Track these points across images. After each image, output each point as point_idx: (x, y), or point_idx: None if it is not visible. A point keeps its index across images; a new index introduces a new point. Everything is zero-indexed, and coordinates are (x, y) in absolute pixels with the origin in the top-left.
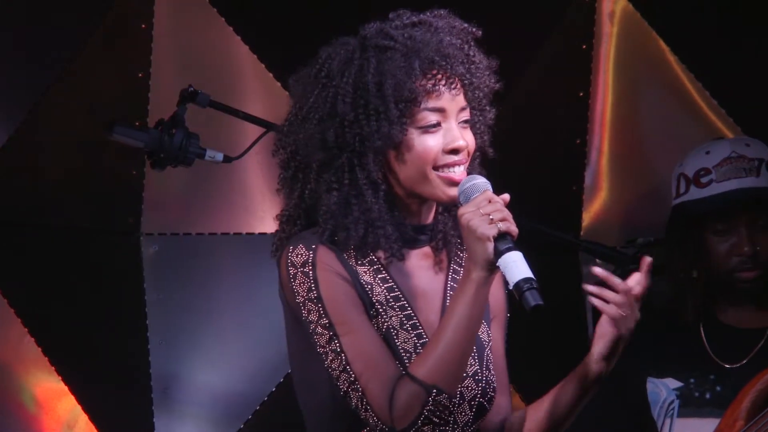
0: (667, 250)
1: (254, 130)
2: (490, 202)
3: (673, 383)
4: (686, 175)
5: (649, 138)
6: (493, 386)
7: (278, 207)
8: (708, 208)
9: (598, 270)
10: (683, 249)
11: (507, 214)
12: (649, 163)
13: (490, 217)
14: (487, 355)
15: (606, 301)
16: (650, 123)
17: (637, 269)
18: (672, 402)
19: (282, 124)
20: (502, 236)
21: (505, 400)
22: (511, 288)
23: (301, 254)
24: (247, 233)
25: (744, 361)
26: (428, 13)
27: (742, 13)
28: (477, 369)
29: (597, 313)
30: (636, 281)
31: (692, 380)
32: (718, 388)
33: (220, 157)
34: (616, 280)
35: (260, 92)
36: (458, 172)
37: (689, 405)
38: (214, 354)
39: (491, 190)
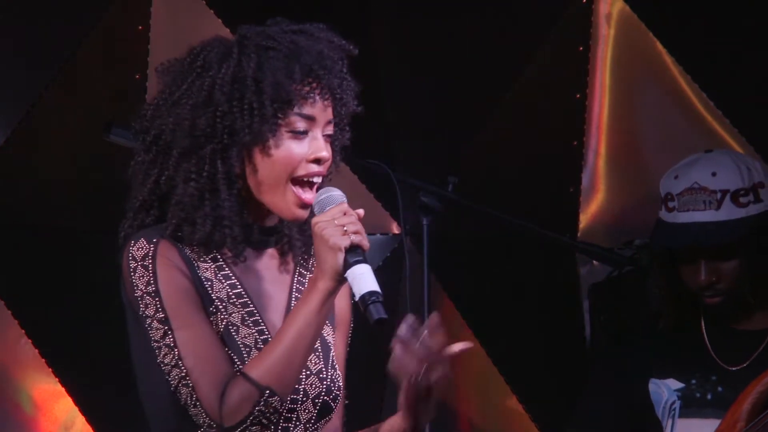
0: (650, 261)
1: None
2: (345, 214)
3: (675, 384)
4: (661, 193)
5: (646, 139)
6: (339, 385)
7: None
8: (668, 239)
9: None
10: (658, 268)
11: (360, 227)
12: (646, 164)
13: (344, 228)
14: (333, 355)
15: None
16: (647, 125)
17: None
18: (674, 403)
19: (145, 107)
20: (353, 249)
21: (337, 417)
22: (356, 300)
23: (142, 248)
24: None
25: (746, 363)
26: (309, 25)
27: (739, 14)
28: (321, 367)
29: (595, 314)
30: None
31: (694, 381)
32: (719, 389)
33: None
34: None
35: None
36: (309, 196)
37: (691, 406)
38: None
39: (346, 203)
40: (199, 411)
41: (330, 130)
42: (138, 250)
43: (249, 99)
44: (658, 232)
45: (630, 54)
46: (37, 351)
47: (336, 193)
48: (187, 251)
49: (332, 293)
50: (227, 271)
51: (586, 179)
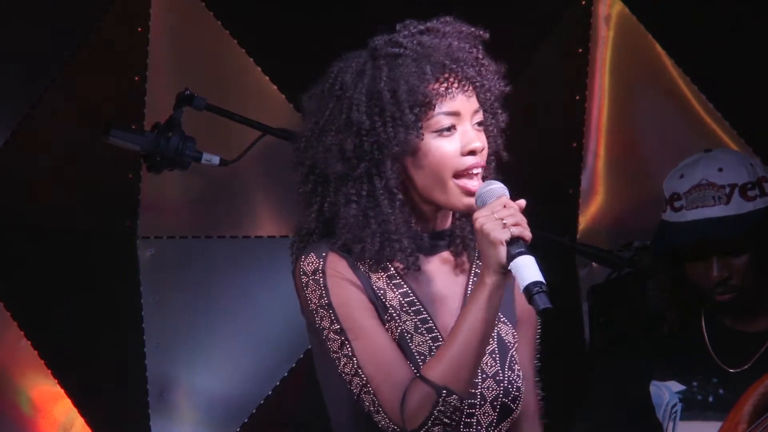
0: (653, 262)
1: (250, 134)
2: (504, 206)
3: (676, 386)
4: (665, 194)
5: (646, 141)
6: (518, 386)
7: (274, 210)
8: (677, 238)
9: None
10: (665, 264)
11: (521, 219)
12: (646, 166)
13: (504, 221)
14: (512, 356)
15: None
16: (646, 126)
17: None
18: (675, 405)
19: (299, 140)
20: (514, 241)
21: (530, 402)
22: (522, 291)
23: (312, 262)
24: (243, 236)
25: (747, 365)
26: (435, 21)
27: (738, 16)
28: (498, 369)
29: (594, 316)
30: None
31: (695, 383)
32: (720, 392)
33: (216, 160)
34: None
35: (256, 96)
36: (475, 183)
37: (692, 408)
38: (210, 357)
39: (508, 195)
40: (383, 417)
41: (479, 118)
42: (308, 265)
43: (389, 111)
44: (663, 233)
45: (629, 56)
46: (36, 352)
47: (496, 186)
48: (357, 263)
49: (498, 287)
50: (399, 281)
51: (585, 181)
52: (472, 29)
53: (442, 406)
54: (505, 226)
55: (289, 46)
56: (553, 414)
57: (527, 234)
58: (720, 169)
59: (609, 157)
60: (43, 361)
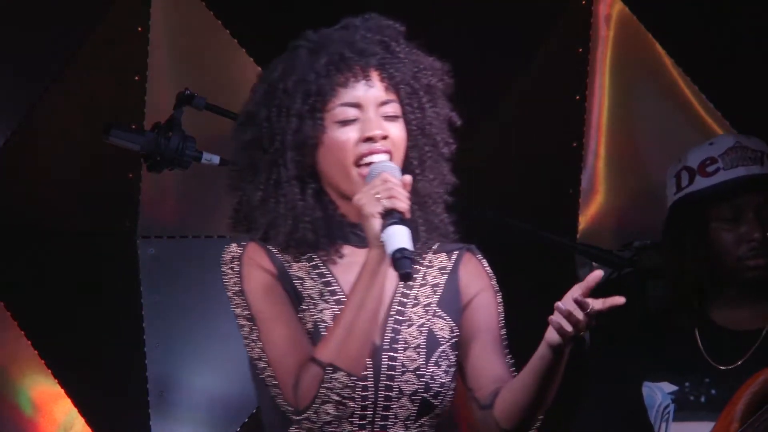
0: (665, 248)
1: None
2: (383, 182)
3: (669, 387)
4: (689, 167)
5: (646, 141)
6: (441, 382)
7: None
8: (718, 193)
9: (596, 273)
10: (686, 242)
11: (396, 192)
12: (646, 166)
13: (377, 195)
14: (442, 351)
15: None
16: (646, 126)
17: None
18: (667, 406)
19: None
20: (388, 213)
21: (499, 368)
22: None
23: (231, 251)
24: None
25: (739, 363)
26: (358, 18)
27: (738, 16)
28: (420, 364)
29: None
30: (602, 305)
31: (687, 384)
32: (713, 392)
33: (216, 160)
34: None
35: None
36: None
37: (685, 409)
38: (210, 357)
39: (394, 173)
40: (282, 400)
41: (390, 110)
42: (228, 254)
43: (281, 101)
44: (687, 206)
45: (629, 56)
46: (36, 352)
47: (381, 165)
48: (277, 252)
49: (379, 261)
50: (323, 269)
51: (585, 181)
52: (390, 22)
53: (328, 383)
54: (378, 199)
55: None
56: (553, 414)
57: (400, 205)
58: (748, 137)
59: (609, 156)
60: (43, 361)
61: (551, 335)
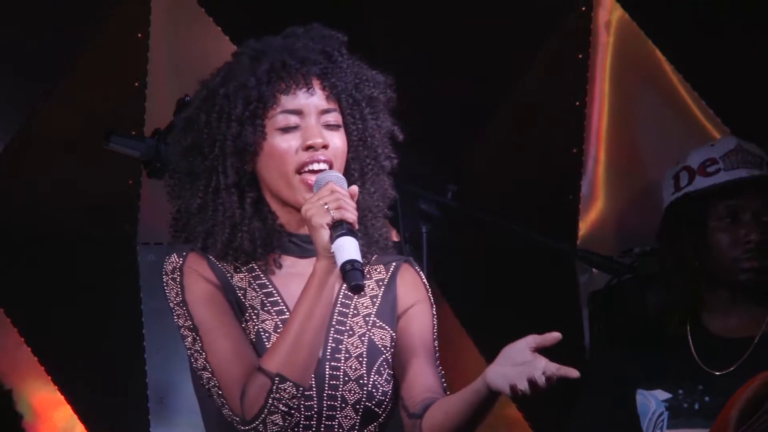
0: (661, 248)
1: None
2: (331, 192)
3: (662, 395)
4: (689, 167)
5: (646, 147)
6: (383, 390)
7: None
8: (718, 193)
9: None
10: (683, 242)
11: (345, 203)
12: (646, 172)
13: (326, 206)
14: (383, 359)
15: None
16: (646, 132)
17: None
18: (661, 414)
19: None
20: (337, 224)
21: (430, 379)
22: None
23: (172, 262)
24: None
25: (732, 368)
26: (301, 27)
27: (738, 22)
28: (363, 373)
29: (594, 322)
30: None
31: (681, 391)
32: (706, 399)
33: None
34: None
35: None
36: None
37: (679, 416)
38: None
39: (341, 184)
40: (227, 410)
41: (331, 119)
42: (169, 265)
43: (220, 106)
44: (686, 207)
45: (629, 62)
46: (36, 359)
47: (328, 174)
48: (218, 262)
49: (327, 272)
50: (264, 280)
51: (585, 187)
52: (333, 32)
53: (276, 393)
54: (327, 210)
55: None
56: (552, 418)
57: (348, 216)
58: (747, 143)
59: (609, 162)
60: (43, 368)
61: (500, 385)
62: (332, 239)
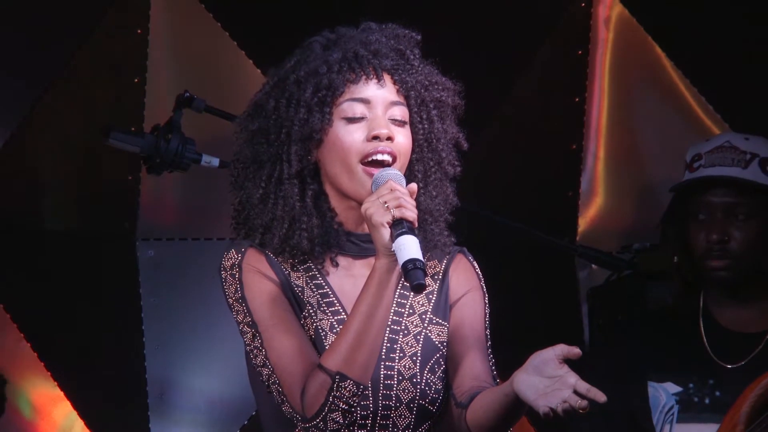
0: (661, 237)
1: None
2: (391, 190)
3: (673, 388)
4: (686, 160)
5: (645, 143)
6: (437, 389)
7: None
8: (694, 188)
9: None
10: (667, 236)
11: (405, 201)
12: (645, 168)
13: (386, 204)
14: (440, 356)
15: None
16: (646, 128)
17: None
18: (672, 407)
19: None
20: (397, 222)
21: (479, 367)
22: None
23: (231, 258)
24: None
25: (743, 362)
26: (376, 23)
27: (737, 18)
28: (416, 372)
29: (593, 318)
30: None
31: (691, 385)
32: (717, 393)
33: (216, 162)
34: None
35: None
36: (383, 163)
37: (689, 410)
38: (210, 359)
39: (399, 181)
40: (288, 407)
41: (398, 114)
42: (227, 261)
43: (289, 92)
44: (673, 199)
45: (629, 58)
46: (35, 355)
47: (388, 173)
48: (277, 259)
49: (388, 270)
50: (320, 280)
51: (585, 183)
52: (407, 31)
53: (337, 391)
54: (387, 209)
55: (289, 47)
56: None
57: (409, 214)
58: (746, 138)
59: (608, 159)
60: (42, 364)
61: (529, 396)
62: (393, 238)
